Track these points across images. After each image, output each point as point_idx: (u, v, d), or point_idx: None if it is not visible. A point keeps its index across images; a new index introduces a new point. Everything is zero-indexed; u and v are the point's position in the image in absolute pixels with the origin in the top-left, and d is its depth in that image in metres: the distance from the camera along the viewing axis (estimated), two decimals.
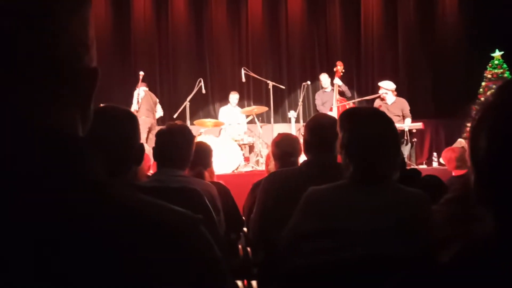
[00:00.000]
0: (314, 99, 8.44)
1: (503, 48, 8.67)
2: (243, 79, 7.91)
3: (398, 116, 6.98)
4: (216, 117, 8.44)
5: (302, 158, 2.46)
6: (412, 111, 7.18)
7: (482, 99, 7.97)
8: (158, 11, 9.73)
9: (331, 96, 7.61)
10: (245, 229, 2.96)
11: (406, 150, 6.75)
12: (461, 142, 7.27)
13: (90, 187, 0.51)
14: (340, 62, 7.70)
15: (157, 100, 8.14)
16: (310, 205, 1.64)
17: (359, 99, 8.41)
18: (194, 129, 4.36)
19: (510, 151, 0.58)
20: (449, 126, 9.16)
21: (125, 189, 0.55)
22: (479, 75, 8.79)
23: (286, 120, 9.08)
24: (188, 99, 7.48)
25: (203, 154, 2.81)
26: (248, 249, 2.80)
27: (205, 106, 9.49)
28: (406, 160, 4.85)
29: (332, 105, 7.40)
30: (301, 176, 2.09)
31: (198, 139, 5.89)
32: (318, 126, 2.20)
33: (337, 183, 1.64)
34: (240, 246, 2.86)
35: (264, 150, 7.07)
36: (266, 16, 9.89)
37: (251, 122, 7.88)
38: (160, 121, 8.13)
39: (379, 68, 9.73)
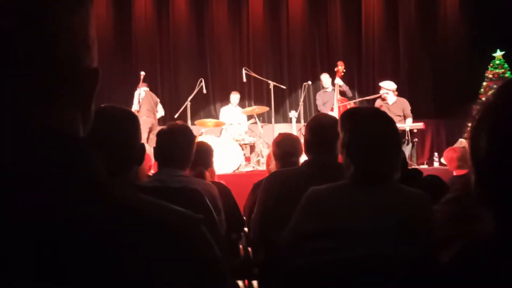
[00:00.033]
0: (315, 99, 8.44)
1: (504, 48, 8.67)
2: (244, 79, 7.91)
3: (399, 116, 6.97)
4: (217, 117, 8.44)
5: (303, 158, 2.46)
6: (413, 111, 7.17)
7: (483, 99, 7.96)
8: (159, 10, 9.73)
9: (332, 96, 7.61)
10: (246, 229, 2.96)
11: (407, 150, 6.74)
12: (462, 142, 7.26)
13: (90, 187, 0.51)
14: (341, 62, 7.70)
15: (158, 100, 8.14)
16: (310, 205, 1.64)
17: (360, 99, 8.40)
18: (195, 129, 4.37)
19: (511, 151, 0.58)
20: (450, 126, 9.15)
21: (126, 189, 0.55)
22: (480, 75, 8.79)
23: (287, 120, 9.08)
24: (189, 99, 7.48)
25: (204, 154, 2.81)
26: (249, 249, 2.80)
27: (206, 106, 9.49)
28: (407, 160, 4.85)
29: (333, 105, 7.40)
30: (302, 176, 2.09)
31: (199, 139, 5.89)
32: (319, 126, 2.20)
33: (338, 183, 1.64)
34: (241, 246, 2.86)
35: (265, 150, 7.07)
36: (267, 16, 9.88)
37: (252, 122, 7.88)
38: (161, 121, 8.13)
39: (380, 68, 9.72)
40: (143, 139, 5.14)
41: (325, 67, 9.34)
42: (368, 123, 1.63)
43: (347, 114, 1.71)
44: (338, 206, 1.59)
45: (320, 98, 7.96)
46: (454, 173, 4.26)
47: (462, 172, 4.12)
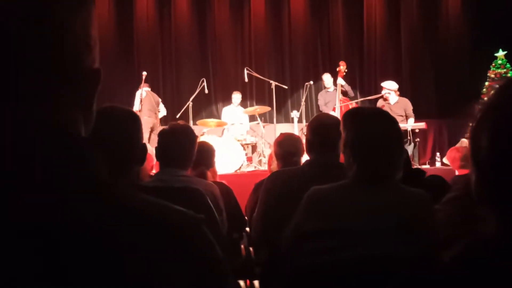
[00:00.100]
0: (316, 99, 8.44)
1: (506, 47, 8.65)
2: (246, 79, 7.91)
3: (401, 116, 6.96)
4: (219, 117, 8.44)
5: (305, 158, 2.46)
6: (415, 111, 7.16)
7: (485, 99, 7.94)
8: (161, 11, 9.73)
9: (334, 96, 7.60)
10: (247, 229, 2.96)
11: (409, 150, 6.72)
12: (463, 142, 7.25)
13: (91, 187, 0.51)
14: (343, 62, 7.70)
15: (160, 100, 8.14)
16: (312, 205, 1.64)
17: (362, 99, 8.39)
18: (197, 129, 4.37)
19: (511, 151, 0.58)
20: (452, 126, 9.12)
21: (127, 189, 0.55)
22: (482, 75, 8.76)
23: (288, 120, 9.07)
24: (191, 99, 7.49)
25: (206, 154, 2.81)
26: (251, 249, 2.80)
27: (208, 106, 9.49)
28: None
29: (335, 105, 7.39)
30: (304, 176, 2.09)
31: (201, 139, 5.90)
32: (320, 126, 2.20)
33: (339, 183, 1.64)
34: (242, 246, 2.86)
35: (266, 150, 7.07)
36: (269, 16, 9.88)
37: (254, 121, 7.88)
38: (163, 121, 8.13)
39: (382, 68, 9.70)
40: (145, 139, 5.13)
41: (327, 67, 9.33)
42: (370, 122, 1.63)
43: (350, 114, 1.71)
44: (340, 206, 1.59)
45: (322, 98, 7.96)
46: (457, 173, 4.25)
47: (465, 172, 4.11)
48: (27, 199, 0.47)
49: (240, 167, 6.67)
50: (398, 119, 6.54)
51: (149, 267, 0.49)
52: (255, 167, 6.97)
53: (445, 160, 5.91)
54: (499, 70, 8.65)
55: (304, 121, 7.69)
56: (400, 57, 9.80)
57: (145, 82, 7.64)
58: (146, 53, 9.49)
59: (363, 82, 9.85)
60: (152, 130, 7.60)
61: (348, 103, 7.37)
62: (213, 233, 0.58)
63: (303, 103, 7.77)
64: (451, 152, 4.42)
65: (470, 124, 0.65)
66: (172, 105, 8.95)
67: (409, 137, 6.67)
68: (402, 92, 7.50)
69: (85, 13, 0.57)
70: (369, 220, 1.52)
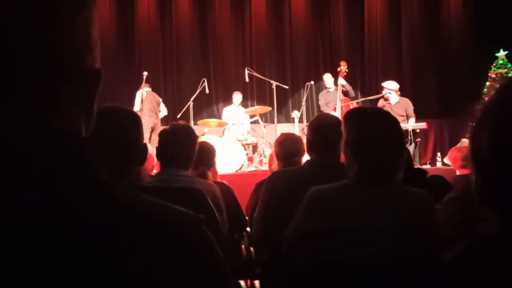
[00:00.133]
0: (317, 99, 8.43)
1: (507, 47, 8.64)
2: (247, 79, 7.91)
3: (402, 116, 6.96)
4: (219, 117, 8.44)
5: (305, 158, 2.46)
6: (416, 111, 7.15)
7: (486, 99, 7.94)
8: (162, 11, 9.73)
9: (334, 96, 7.60)
10: (248, 229, 2.96)
11: (410, 150, 6.73)
12: (465, 142, 7.24)
13: (91, 187, 0.51)
14: (344, 62, 7.69)
15: (160, 100, 8.14)
16: (312, 205, 1.64)
17: (363, 99, 8.38)
18: (197, 129, 4.36)
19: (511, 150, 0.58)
20: (453, 126, 9.12)
21: (128, 189, 0.55)
22: (483, 74, 8.76)
23: (289, 120, 9.06)
24: (192, 99, 7.49)
25: (206, 154, 2.81)
26: (251, 249, 2.80)
27: (209, 106, 9.49)
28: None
29: (336, 105, 7.39)
30: (304, 176, 2.09)
31: (201, 139, 5.90)
32: (321, 126, 2.20)
33: (340, 183, 1.64)
34: (243, 246, 2.86)
35: (267, 150, 7.06)
36: (270, 16, 9.88)
37: (255, 122, 7.87)
38: (163, 121, 8.13)
39: (383, 68, 9.70)
40: (145, 139, 5.13)
41: (327, 67, 9.33)
42: (371, 123, 1.63)
43: (351, 114, 1.71)
44: (340, 206, 1.59)
45: (322, 98, 7.95)
46: (458, 173, 4.25)
47: (466, 172, 4.10)
48: (27, 199, 0.47)
49: (241, 167, 6.67)
50: (399, 119, 6.49)
51: (149, 267, 0.49)
52: (255, 167, 6.97)
53: (446, 160, 5.90)
54: (500, 70, 8.65)
55: (304, 121, 7.69)
56: (401, 57, 9.79)
57: (146, 82, 7.64)
58: (147, 53, 9.49)
59: (364, 82, 9.84)
60: (152, 130, 7.60)
61: (349, 103, 7.36)
62: (213, 233, 0.58)
63: (303, 103, 7.77)
64: (452, 152, 4.42)
65: (471, 124, 0.65)
66: (173, 105, 8.95)
67: (410, 137, 6.67)
68: (403, 92, 7.50)
69: (86, 13, 0.57)
70: (370, 220, 1.52)
